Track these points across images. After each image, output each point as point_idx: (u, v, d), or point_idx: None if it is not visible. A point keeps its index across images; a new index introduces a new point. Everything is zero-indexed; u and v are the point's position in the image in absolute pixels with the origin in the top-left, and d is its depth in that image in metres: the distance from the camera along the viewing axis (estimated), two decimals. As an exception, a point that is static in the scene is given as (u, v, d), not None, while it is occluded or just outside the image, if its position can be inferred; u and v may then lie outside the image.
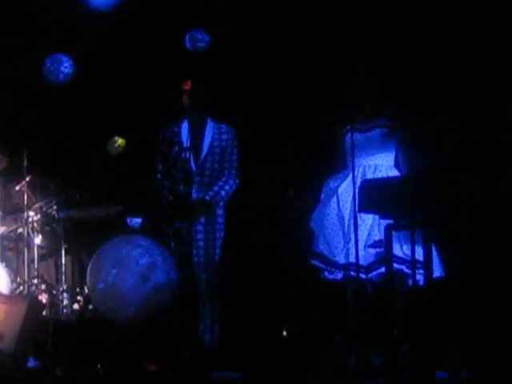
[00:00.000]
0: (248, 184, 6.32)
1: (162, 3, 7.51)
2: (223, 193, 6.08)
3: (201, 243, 6.08)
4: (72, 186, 7.16)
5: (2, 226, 6.91)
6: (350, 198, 5.25)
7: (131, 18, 7.64)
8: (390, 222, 4.83)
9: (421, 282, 5.04)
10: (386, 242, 4.84)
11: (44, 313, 6.23)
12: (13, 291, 6.55)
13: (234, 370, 5.45)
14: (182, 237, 6.02)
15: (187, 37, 7.60)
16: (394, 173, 5.40)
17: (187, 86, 6.02)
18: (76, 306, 6.84)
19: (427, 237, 4.79)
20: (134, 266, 5.69)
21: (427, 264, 4.73)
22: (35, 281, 6.86)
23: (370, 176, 5.32)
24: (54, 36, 7.88)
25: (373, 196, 4.82)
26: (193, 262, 6.01)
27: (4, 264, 6.69)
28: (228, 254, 6.27)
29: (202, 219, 6.05)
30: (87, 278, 5.93)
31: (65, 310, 6.80)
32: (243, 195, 6.34)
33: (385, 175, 5.33)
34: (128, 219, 6.60)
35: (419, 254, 4.85)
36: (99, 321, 6.01)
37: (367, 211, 5.05)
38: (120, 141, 7.23)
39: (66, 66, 7.80)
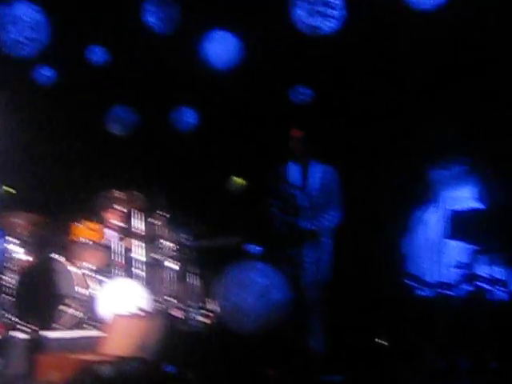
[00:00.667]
0: (349, 215, 7.15)
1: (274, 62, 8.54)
2: (328, 223, 6.99)
3: (309, 266, 6.95)
4: (201, 220, 8.02)
5: (146, 253, 7.80)
6: (438, 225, 5.95)
7: (245, 73, 8.68)
8: (476, 247, 5.51)
9: (501, 298, 5.72)
10: (472, 264, 5.53)
11: (178, 325, 7.03)
12: (153, 308, 7.33)
13: (339, 374, 6.19)
14: (293, 261, 6.98)
15: (292, 91, 8.61)
16: (475, 205, 6.10)
17: (295, 133, 7.01)
18: (204, 320, 7.50)
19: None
20: (254, 287, 6.60)
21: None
22: (170, 299, 7.64)
23: (453, 207, 6.04)
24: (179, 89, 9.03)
25: (461, 225, 5.51)
26: (303, 282, 6.95)
27: (146, 285, 7.58)
28: (333, 275, 7.06)
29: (310, 246, 6.94)
30: (215, 297, 6.85)
31: (194, 323, 7.47)
32: (346, 225, 7.16)
33: (467, 207, 6.03)
34: (248, 246, 7.48)
35: (499, 274, 5.55)
36: (225, 332, 6.67)
37: (456, 238, 5.73)
38: (238, 180, 8.05)
39: (190, 117, 8.89)
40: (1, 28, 6.98)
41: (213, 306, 7.45)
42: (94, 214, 8.10)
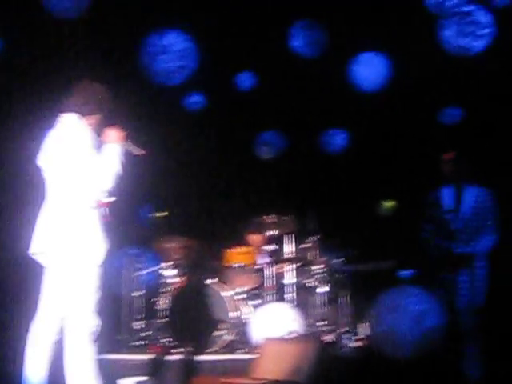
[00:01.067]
0: (504, 238, 6.94)
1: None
2: (482, 247, 6.81)
3: (464, 291, 6.75)
4: (352, 244, 8.04)
5: (297, 277, 7.86)
6: None
7: (393, 95, 8.65)
8: None
9: None
10: None
11: (329, 349, 7.06)
12: (304, 332, 7.35)
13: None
14: (447, 286, 6.82)
15: (442, 113, 8.49)
16: None
17: (448, 156, 6.90)
18: (356, 344, 7.52)
19: None
20: (408, 312, 6.53)
21: None
22: (322, 323, 7.66)
23: None
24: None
25: None
26: (457, 307, 6.74)
27: (297, 309, 7.57)
28: (488, 299, 6.84)
29: (465, 270, 6.76)
30: (368, 321, 6.85)
31: (346, 348, 7.50)
32: (501, 248, 6.96)
33: None
34: (401, 271, 7.43)
35: None
36: (378, 357, 6.70)
37: None
38: (389, 203, 8.02)
39: (340, 139, 8.93)
40: (152, 58, 7.23)
41: (365, 330, 7.43)
42: (245, 238, 8.27)
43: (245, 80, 9.39)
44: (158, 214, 8.21)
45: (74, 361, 5.13)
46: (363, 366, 6.72)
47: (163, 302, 7.78)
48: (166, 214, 8.22)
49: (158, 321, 7.69)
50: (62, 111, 5.40)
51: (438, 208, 6.90)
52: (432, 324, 6.59)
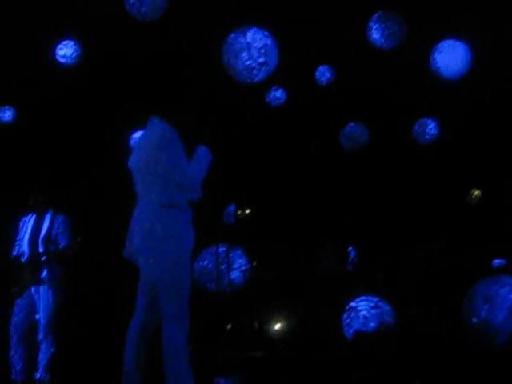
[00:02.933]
0: None
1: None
2: None
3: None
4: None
5: None
6: None
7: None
8: None
9: None
10: None
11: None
12: None
13: None
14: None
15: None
16: None
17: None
18: None
19: None
20: (503, 302, 6.41)
21: None
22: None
23: None
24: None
25: None
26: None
27: None
28: None
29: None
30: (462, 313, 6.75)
31: None
32: None
33: None
34: (494, 261, 7.31)
35: None
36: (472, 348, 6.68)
37: None
38: (476, 192, 7.88)
39: (431, 128, 8.82)
40: (235, 56, 7.25)
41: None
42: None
43: (325, 74, 9.35)
44: (241, 212, 8.24)
45: (172, 362, 5.18)
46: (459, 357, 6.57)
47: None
48: (249, 211, 8.25)
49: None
50: (153, 113, 5.46)
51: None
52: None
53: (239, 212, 8.33)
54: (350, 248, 8.93)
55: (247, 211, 8.43)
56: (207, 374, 6.07)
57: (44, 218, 7.12)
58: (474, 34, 8.43)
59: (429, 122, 9.13)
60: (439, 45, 8.50)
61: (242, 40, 7.21)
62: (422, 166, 9.05)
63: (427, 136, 8.92)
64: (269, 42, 7.25)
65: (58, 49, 8.55)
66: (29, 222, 7.11)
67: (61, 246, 7.03)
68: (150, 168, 5.28)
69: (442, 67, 8.37)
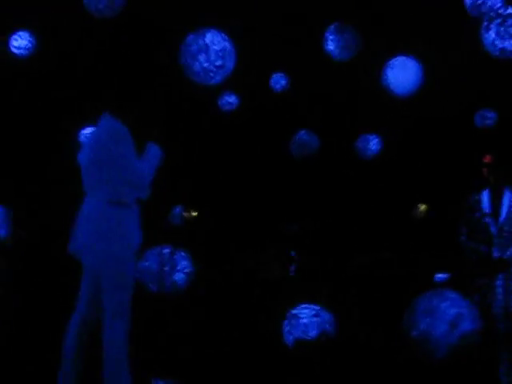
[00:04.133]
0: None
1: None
2: (520, 253, 6.75)
3: (499, 297, 6.68)
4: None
5: None
6: None
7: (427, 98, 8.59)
8: None
9: None
10: None
11: None
12: None
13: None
14: (483, 291, 6.80)
15: (477, 115, 8.45)
16: None
17: (487, 159, 6.85)
18: None
19: None
20: (444, 316, 6.48)
21: None
22: None
23: None
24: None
25: None
26: (493, 312, 6.71)
27: None
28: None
29: (501, 276, 6.69)
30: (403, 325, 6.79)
31: None
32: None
33: None
34: (436, 275, 7.41)
35: None
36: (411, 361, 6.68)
37: None
38: (423, 207, 8.01)
39: (374, 144, 8.92)
40: (192, 57, 7.23)
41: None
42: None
43: (279, 82, 9.39)
44: (187, 214, 8.22)
45: (111, 360, 5.13)
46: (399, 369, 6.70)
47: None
48: (195, 213, 8.25)
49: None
50: (104, 109, 5.41)
51: (477, 212, 6.85)
52: (468, 329, 6.46)
53: (186, 214, 8.30)
54: (293, 255, 8.97)
55: (194, 213, 8.42)
56: (145, 374, 6.03)
57: None
58: (426, 52, 8.55)
59: (371, 138, 9.23)
60: (391, 61, 8.59)
61: (200, 41, 7.19)
62: (367, 178, 9.15)
63: (369, 151, 9.03)
64: (227, 45, 7.24)
65: (12, 39, 8.44)
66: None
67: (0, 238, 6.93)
68: (100, 164, 5.24)
69: (392, 83, 8.46)
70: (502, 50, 6.91)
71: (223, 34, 7.14)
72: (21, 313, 7.89)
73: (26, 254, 8.14)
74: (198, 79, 7.22)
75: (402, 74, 8.50)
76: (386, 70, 8.53)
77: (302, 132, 9.38)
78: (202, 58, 7.15)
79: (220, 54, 7.16)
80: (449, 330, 6.46)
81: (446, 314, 6.46)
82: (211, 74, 7.23)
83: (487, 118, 8.54)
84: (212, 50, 7.13)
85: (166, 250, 8.14)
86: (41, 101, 8.94)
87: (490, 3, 7.14)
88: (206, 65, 7.15)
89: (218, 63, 7.19)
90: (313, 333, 7.21)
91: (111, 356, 5.11)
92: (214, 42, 7.14)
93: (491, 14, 6.73)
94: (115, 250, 5.14)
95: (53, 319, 6.36)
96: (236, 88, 9.26)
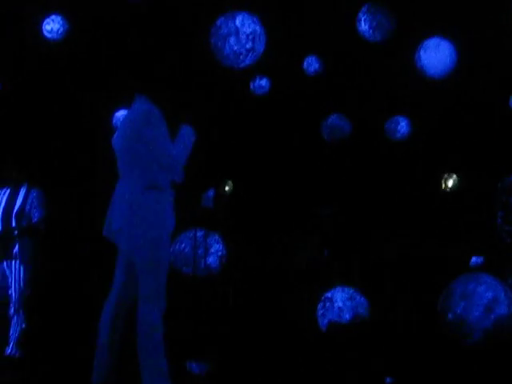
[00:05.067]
0: None
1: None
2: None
3: (536, 279, 6.74)
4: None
5: None
6: None
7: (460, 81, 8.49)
8: None
9: None
10: None
11: None
12: None
13: None
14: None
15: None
16: None
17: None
18: None
19: None
20: (479, 300, 6.45)
21: None
22: None
23: None
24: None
25: None
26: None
27: None
28: None
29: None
30: (438, 308, 6.77)
31: None
32: None
33: None
34: (472, 258, 7.35)
35: None
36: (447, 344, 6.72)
37: None
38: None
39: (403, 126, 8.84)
40: (223, 40, 7.20)
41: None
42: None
43: (313, 64, 9.33)
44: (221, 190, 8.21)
45: (146, 343, 5.15)
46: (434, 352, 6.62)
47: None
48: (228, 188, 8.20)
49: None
50: (136, 92, 5.40)
51: (511, 195, 6.78)
52: (504, 312, 6.44)
53: (219, 190, 8.31)
54: (327, 237, 8.96)
55: (227, 188, 8.41)
56: (180, 356, 6.06)
57: (18, 193, 7.05)
58: (461, 34, 8.45)
59: (400, 119, 9.16)
60: (425, 42, 8.49)
61: (230, 24, 7.16)
62: (398, 161, 9.10)
63: (398, 134, 8.97)
64: (258, 28, 7.20)
65: (44, 23, 8.47)
66: (2, 197, 7.02)
67: (34, 221, 6.97)
68: (133, 147, 5.23)
69: (426, 65, 8.37)
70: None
71: (254, 17, 7.10)
72: (54, 297, 7.97)
73: (61, 238, 8.21)
74: (227, 62, 7.19)
75: (435, 55, 8.40)
76: (420, 51, 8.43)
77: (334, 116, 9.33)
78: (232, 40, 7.12)
79: (250, 37, 7.13)
80: (484, 314, 6.45)
81: (482, 298, 6.47)
82: (241, 57, 7.20)
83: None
84: (242, 32, 7.10)
85: (200, 234, 8.16)
86: (74, 84, 8.98)
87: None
88: (235, 48, 7.12)
89: (248, 46, 7.16)
90: (347, 316, 7.21)
91: (146, 339, 5.13)
92: (245, 24, 7.10)
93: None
94: (150, 234, 5.14)
95: (88, 302, 6.41)
96: (268, 71, 9.23)
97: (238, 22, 7.13)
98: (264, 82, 9.45)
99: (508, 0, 7.74)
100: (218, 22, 7.11)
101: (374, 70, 9.18)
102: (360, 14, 8.58)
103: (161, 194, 5.23)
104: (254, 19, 7.22)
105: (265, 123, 9.51)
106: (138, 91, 5.39)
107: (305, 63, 9.34)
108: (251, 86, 9.45)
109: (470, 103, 8.81)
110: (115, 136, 5.42)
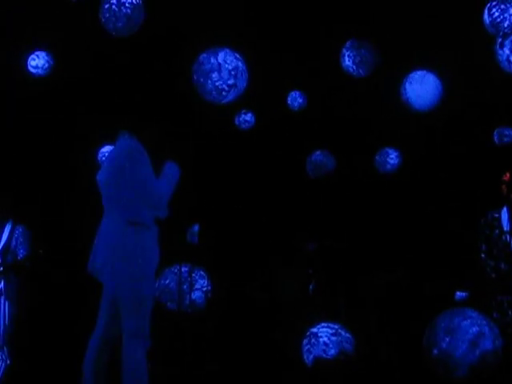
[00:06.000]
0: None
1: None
2: (541, 270, 6.70)
3: (520, 314, 6.72)
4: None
5: None
6: None
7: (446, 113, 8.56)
8: None
9: None
10: None
11: None
12: None
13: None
14: (504, 309, 6.74)
15: (496, 132, 8.41)
16: None
17: (506, 177, 6.80)
18: None
19: None
20: (464, 335, 6.43)
21: None
22: None
23: None
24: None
25: None
26: (513, 331, 6.69)
27: None
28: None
29: (522, 294, 6.72)
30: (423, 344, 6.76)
31: None
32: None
33: None
34: (456, 293, 7.35)
35: None
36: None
37: None
38: None
39: (392, 158, 8.89)
40: (205, 76, 7.25)
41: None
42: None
43: (296, 99, 9.39)
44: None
45: (130, 379, 5.11)
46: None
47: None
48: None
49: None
50: (121, 128, 5.42)
51: (496, 229, 6.80)
52: (489, 348, 6.41)
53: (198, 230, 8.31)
54: (312, 273, 8.96)
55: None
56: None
57: (3, 229, 7.04)
58: (445, 66, 8.53)
59: (390, 151, 9.21)
60: (410, 75, 8.56)
61: (213, 60, 7.21)
62: (384, 195, 9.13)
63: (388, 165, 9.02)
64: (240, 64, 7.26)
65: (30, 59, 8.49)
66: (-13, 232, 7.00)
67: (19, 257, 6.95)
68: (118, 184, 5.23)
69: (411, 98, 8.43)
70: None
71: (236, 54, 7.16)
72: (39, 334, 7.91)
73: (45, 274, 8.17)
74: (210, 98, 7.23)
75: (420, 88, 8.47)
76: (405, 84, 8.50)
77: (317, 152, 9.39)
78: (214, 76, 7.16)
79: (232, 72, 7.18)
80: (469, 349, 6.44)
81: (467, 333, 6.46)
82: (223, 93, 7.24)
83: (505, 135, 8.50)
84: (224, 68, 7.15)
85: (184, 269, 8.14)
86: (58, 120, 8.99)
87: (509, 21, 7.10)
88: (218, 83, 7.17)
89: (231, 82, 7.21)
90: (332, 352, 7.18)
91: (130, 375, 5.10)
92: (227, 60, 7.16)
93: (506, 30, 6.70)
94: (134, 270, 5.13)
95: (72, 338, 6.37)
96: (253, 106, 9.28)
97: (220, 58, 7.20)
98: (249, 116, 9.51)
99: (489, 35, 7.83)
100: (201, 58, 7.17)
101: (360, 103, 9.24)
102: (344, 50, 8.66)
103: (145, 230, 5.23)
104: (236, 55, 7.28)
105: (250, 158, 9.54)
106: (123, 127, 5.42)
107: (289, 98, 9.40)
108: (236, 121, 9.50)
109: (455, 137, 8.87)
110: (100, 172, 5.43)
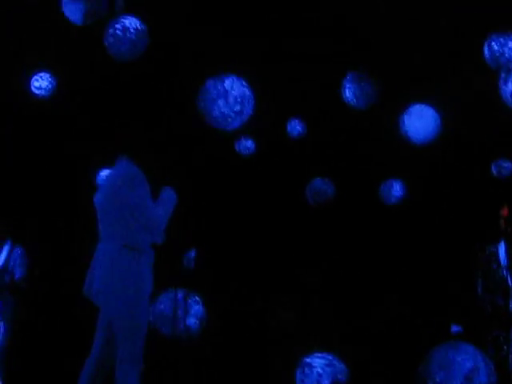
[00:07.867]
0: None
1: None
2: (539, 307, 6.69)
3: (516, 350, 6.70)
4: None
5: None
6: None
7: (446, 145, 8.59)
8: None
9: None
10: None
11: None
12: None
13: None
14: (500, 344, 6.72)
15: (493, 165, 8.43)
16: None
17: (505, 211, 6.82)
18: None
19: None
20: (459, 370, 6.40)
21: None
22: None
23: None
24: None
25: None
26: (510, 366, 6.65)
27: None
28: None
29: (518, 329, 6.70)
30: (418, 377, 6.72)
31: None
32: None
33: None
34: (452, 327, 7.33)
35: None
36: None
37: None
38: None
39: (397, 190, 8.90)
40: (212, 102, 7.27)
41: None
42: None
43: (296, 127, 9.43)
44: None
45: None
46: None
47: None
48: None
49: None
50: (120, 152, 5.43)
51: (493, 264, 6.80)
52: (483, 382, 6.38)
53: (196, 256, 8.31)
54: (307, 301, 8.95)
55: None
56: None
57: (1, 250, 7.04)
58: (444, 100, 8.57)
59: (394, 183, 9.23)
60: (408, 109, 8.60)
61: (219, 87, 7.24)
62: (385, 226, 9.13)
63: (393, 198, 9.03)
64: (246, 91, 7.29)
65: (33, 80, 8.53)
66: (-15, 253, 7.00)
67: (16, 278, 6.95)
68: (115, 209, 5.23)
69: (410, 131, 8.46)
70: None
71: (242, 80, 7.19)
72: (33, 355, 7.88)
73: (41, 296, 8.15)
74: (216, 124, 7.25)
75: (419, 121, 8.51)
76: (404, 117, 8.54)
77: (317, 180, 9.40)
78: (220, 103, 7.18)
79: (239, 99, 7.20)
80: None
81: (462, 368, 6.43)
82: (229, 120, 7.26)
83: (504, 167, 8.52)
84: (231, 95, 7.17)
85: (180, 295, 8.11)
86: (60, 142, 9.02)
87: (508, 55, 7.16)
88: (224, 110, 7.18)
89: (237, 109, 7.23)
90: (326, 382, 7.15)
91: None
92: (233, 87, 7.18)
93: (510, 65, 6.73)
94: (128, 295, 5.12)
95: (67, 361, 6.34)
96: (254, 133, 9.31)
97: (227, 84, 7.22)
98: (249, 143, 9.53)
99: (489, 69, 7.87)
100: (207, 85, 7.20)
101: (359, 133, 9.28)
102: (344, 82, 8.71)
103: (140, 255, 5.23)
104: (243, 82, 7.31)
105: (249, 185, 9.56)
106: (121, 152, 5.43)
107: (288, 126, 9.43)
108: (236, 147, 9.52)
109: (453, 170, 8.89)
110: (96, 196, 5.43)
